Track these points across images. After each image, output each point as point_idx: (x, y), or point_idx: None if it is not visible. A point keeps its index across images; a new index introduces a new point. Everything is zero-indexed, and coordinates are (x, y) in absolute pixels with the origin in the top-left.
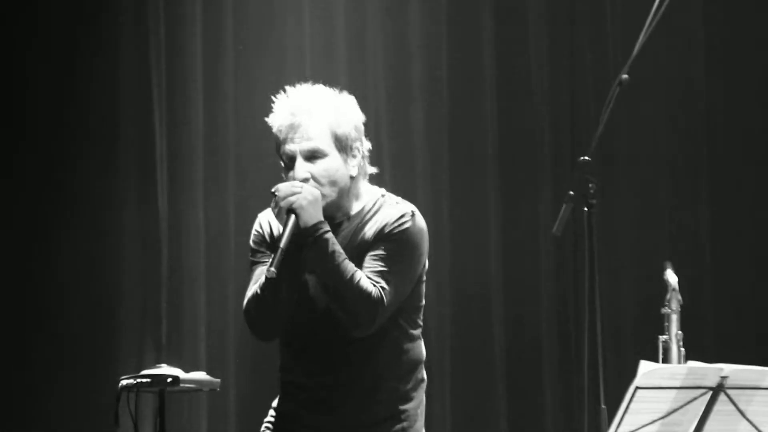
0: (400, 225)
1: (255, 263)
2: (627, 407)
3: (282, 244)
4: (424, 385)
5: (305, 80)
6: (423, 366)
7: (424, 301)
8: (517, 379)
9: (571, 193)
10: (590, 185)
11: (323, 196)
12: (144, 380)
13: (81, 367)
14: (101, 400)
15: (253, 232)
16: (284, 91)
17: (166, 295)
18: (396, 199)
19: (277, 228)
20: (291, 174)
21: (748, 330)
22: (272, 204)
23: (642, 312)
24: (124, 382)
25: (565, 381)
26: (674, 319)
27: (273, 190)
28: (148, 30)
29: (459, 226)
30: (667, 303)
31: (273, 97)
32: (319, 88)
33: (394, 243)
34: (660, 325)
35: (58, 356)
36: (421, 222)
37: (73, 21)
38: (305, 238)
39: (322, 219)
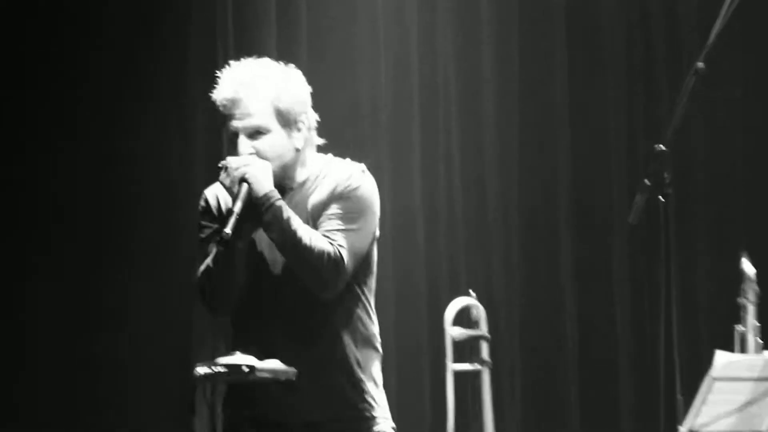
0: (350, 183)
1: (203, 240)
2: (704, 399)
3: (236, 208)
4: (379, 357)
5: (380, 79)
6: (377, 337)
7: (375, 268)
8: (589, 369)
9: (646, 181)
10: (665, 175)
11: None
12: (220, 370)
13: (155, 356)
14: (176, 389)
15: (200, 208)
16: (230, 66)
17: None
18: (343, 161)
19: (224, 201)
20: (233, 153)
21: None
22: (222, 176)
23: (718, 302)
24: (200, 371)
25: (639, 370)
26: (751, 309)
27: (222, 163)
28: (215, 33)
29: (529, 214)
30: (743, 293)
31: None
32: (264, 61)
33: (347, 201)
34: (736, 315)
35: (133, 345)
36: (371, 179)
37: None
38: (259, 207)
39: (273, 188)
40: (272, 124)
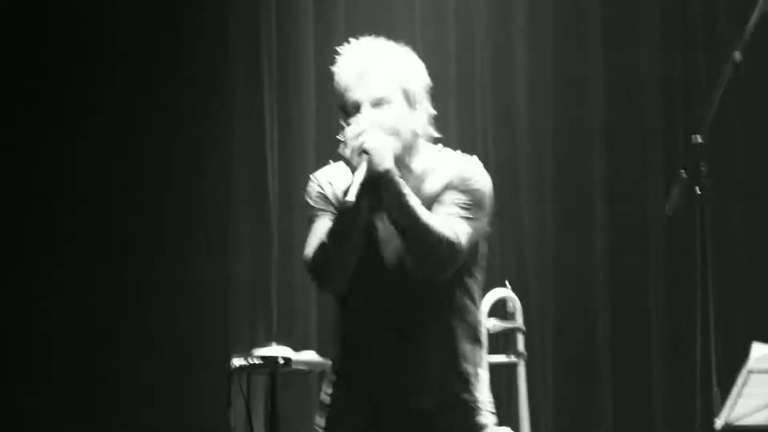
0: (469, 176)
1: (314, 217)
2: (740, 391)
3: (357, 177)
4: (485, 348)
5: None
6: (483, 329)
7: (485, 263)
8: (624, 362)
9: (682, 172)
10: (702, 166)
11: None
12: (256, 362)
13: (193, 348)
14: (214, 382)
15: (315, 190)
16: (352, 42)
17: (276, 273)
18: (457, 153)
19: (335, 186)
20: (351, 121)
21: None
22: (341, 147)
23: (755, 294)
24: (236, 363)
25: (675, 363)
26: None
27: (342, 136)
28: (260, 23)
29: (564, 206)
30: None
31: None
32: (390, 43)
33: (465, 193)
34: None
35: (170, 336)
36: (487, 174)
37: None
38: (377, 181)
39: (393, 165)
40: (397, 97)
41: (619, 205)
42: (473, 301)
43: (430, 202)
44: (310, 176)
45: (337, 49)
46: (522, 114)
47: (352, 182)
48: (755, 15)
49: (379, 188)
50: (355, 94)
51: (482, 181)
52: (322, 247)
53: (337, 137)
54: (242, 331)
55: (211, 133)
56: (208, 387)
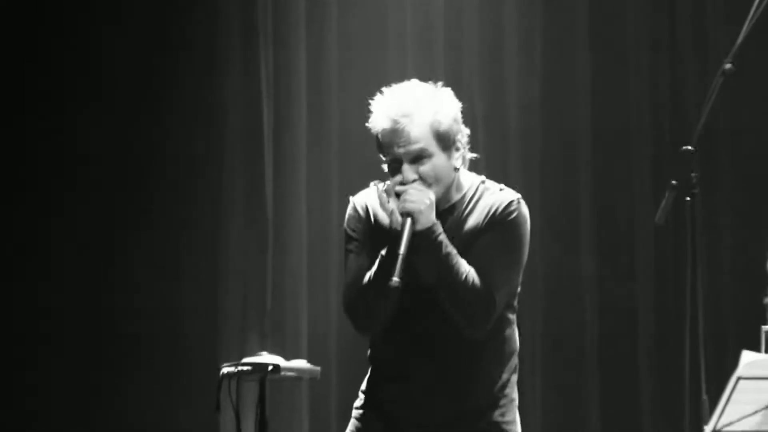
0: (509, 211)
1: (351, 252)
2: (729, 397)
3: (402, 250)
4: (517, 372)
5: (405, 71)
6: (517, 352)
7: (520, 287)
8: (612, 369)
9: (674, 182)
10: (692, 174)
11: (434, 193)
12: (245, 368)
13: (184, 355)
14: (203, 388)
15: (353, 218)
16: (381, 92)
17: (270, 282)
18: (499, 186)
19: (373, 214)
20: (396, 177)
21: None
22: (381, 195)
23: (744, 302)
24: (225, 370)
25: (664, 370)
26: None
27: (378, 185)
28: (256, 25)
29: (551, 214)
30: None
31: (370, 100)
32: (416, 85)
33: (504, 231)
34: (762, 315)
35: (163, 345)
36: (526, 209)
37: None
38: (420, 240)
39: (436, 221)
40: (433, 147)
41: (607, 214)
42: (512, 327)
43: (470, 238)
44: (350, 199)
45: (370, 101)
46: (511, 123)
47: (395, 256)
48: (746, 26)
49: (421, 245)
50: (392, 150)
51: (521, 215)
52: (362, 299)
53: (376, 185)
54: (233, 339)
55: (204, 138)
56: (198, 394)
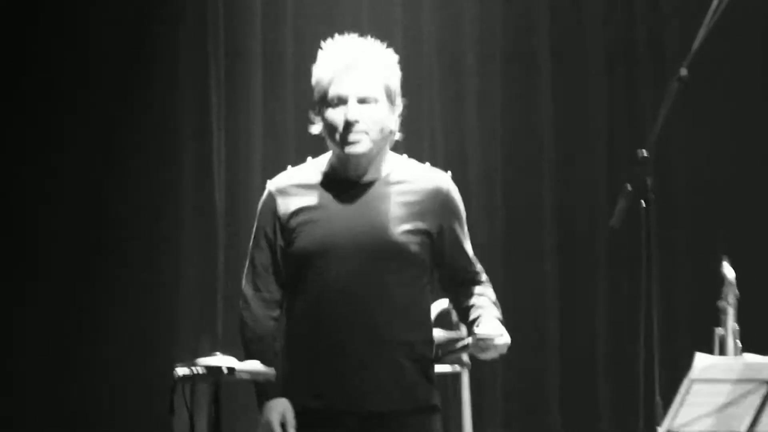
0: (453, 195)
1: (257, 248)
2: (682, 400)
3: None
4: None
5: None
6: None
7: None
8: (570, 371)
9: (629, 187)
10: (647, 180)
11: (371, 142)
12: (200, 371)
13: (136, 355)
14: (156, 389)
15: (264, 207)
16: (335, 39)
17: (222, 282)
18: (426, 166)
19: (294, 199)
20: (332, 114)
21: None
22: (468, 350)
23: (698, 305)
24: (179, 372)
25: (619, 372)
26: (731, 313)
27: (477, 338)
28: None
29: (512, 216)
30: (723, 296)
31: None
32: (371, 40)
33: (459, 215)
34: (716, 318)
35: (114, 344)
36: None
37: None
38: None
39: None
40: (381, 95)
41: (566, 218)
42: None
43: (405, 210)
44: (267, 183)
45: (321, 42)
46: (471, 129)
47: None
48: (702, 32)
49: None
50: (341, 87)
51: (457, 193)
52: (249, 336)
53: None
54: (187, 340)
55: (160, 140)
56: (152, 396)
